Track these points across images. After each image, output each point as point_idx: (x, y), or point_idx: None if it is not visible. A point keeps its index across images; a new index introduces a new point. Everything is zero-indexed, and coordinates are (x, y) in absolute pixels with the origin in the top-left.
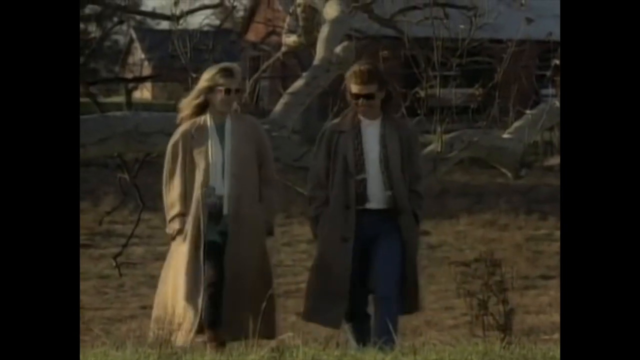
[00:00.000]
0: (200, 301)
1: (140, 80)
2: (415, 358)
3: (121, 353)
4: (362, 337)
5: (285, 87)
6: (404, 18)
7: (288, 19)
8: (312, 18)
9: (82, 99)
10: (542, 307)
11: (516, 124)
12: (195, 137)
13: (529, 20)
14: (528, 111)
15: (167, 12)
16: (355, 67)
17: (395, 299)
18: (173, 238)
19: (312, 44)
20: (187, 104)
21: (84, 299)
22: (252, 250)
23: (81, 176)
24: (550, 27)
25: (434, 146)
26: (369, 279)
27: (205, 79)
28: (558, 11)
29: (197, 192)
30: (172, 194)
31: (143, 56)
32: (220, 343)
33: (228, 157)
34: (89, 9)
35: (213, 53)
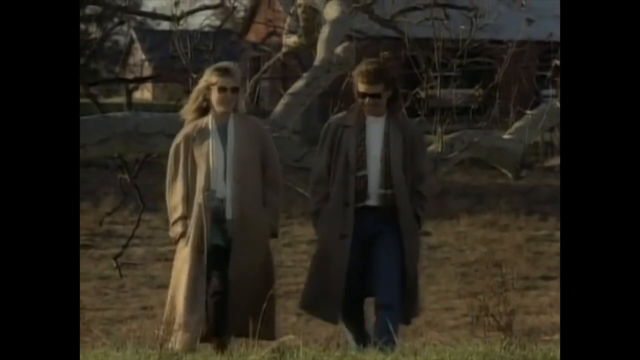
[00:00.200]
0: (203, 307)
1: (140, 80)
2: (416, 359)
3: (121, 354)
4: (361, 338)
5: (285, 88)
6: (404, 19)
7: (288, 19)
8: (313, 19)
9: (82, 100)
10: (543, 308)
11: (517, 124)
12: (197, 139)
13: (530, 21)
14: (528, 112)
15: (168, 13)
16: (363, 67)
17: (397, 305)
18: (176, 241)
19: (313, 45)
20: (189, 109)
21: (84, 299)
22: (256, 253)
23: (81, 177)
24: (550, 28)
25: (435, 147)
26: (370, 282)
27: (202, 79)
28: (558, 12)
29: (198, 196)
30: (174, 197)
31: (143, 57)
32: (223, 347)
33: (230, 159)
34: (89, 10)
35: (213, 54)
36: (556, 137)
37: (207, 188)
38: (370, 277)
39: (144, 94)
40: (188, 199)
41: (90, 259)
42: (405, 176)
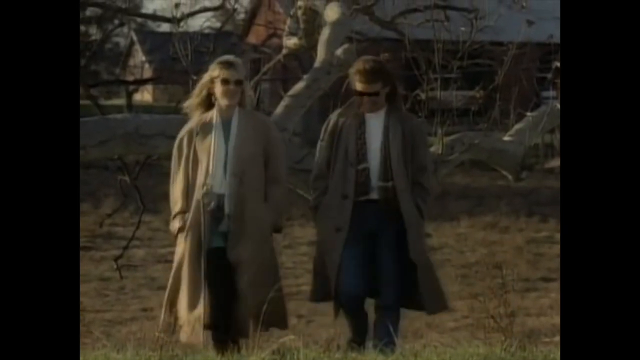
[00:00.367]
0: (202, 304)
1: (141, 82)
2: None
3: (122, 355)
4: (360, 336)
5: (286, 90)
6: (404, 20)
7: (289, 21)
8: (313, 20)
9: (82, 101)
10: (543, 310)
11: (517, 126)
12: (200, 133)
13: (530, 23)
14: (529, 113)
15: (168, 15)
16: (360, 65)
17: (397, 306)
18: (175, 236)
19: (313, 47)
20: (193, 103)
21: (84, 301)
22: (256, 250)
23: (82, 178)
24: (550, 30)
25: (435, 148)
26: (370, 282)
27: (206, 74)
28: (559, 13)
29: (197, 191)
30: (175, 192)
31: (144, 58)
32: (223, 346)
33: (231, 154)
34: (89, 12)
35: (214, 55)
36: (556, 138)
37: (206, 182)
38: (370, 276)
39: (144, 95)
40: (188, 193)
41: (91, 260)
42: (406, 169)
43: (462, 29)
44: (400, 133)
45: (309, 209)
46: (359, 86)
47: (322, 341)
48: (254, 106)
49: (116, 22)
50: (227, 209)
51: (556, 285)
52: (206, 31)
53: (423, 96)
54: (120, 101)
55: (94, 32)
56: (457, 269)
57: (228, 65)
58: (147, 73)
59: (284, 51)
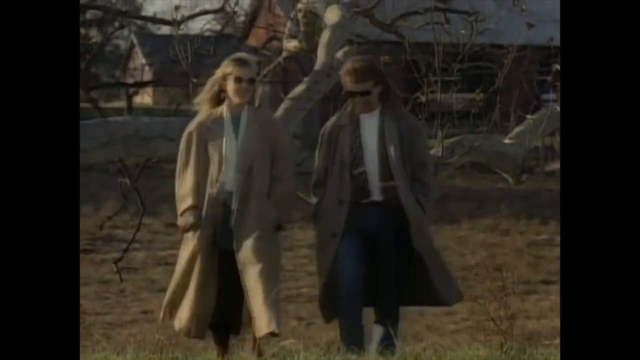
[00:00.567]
0: (213, 299)
1: (141, 85)
2: None
3: (122, 358)
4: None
5: (286, 92)
6: (405, 23)
7: (289, 24)
8: (313, 23)
9: (83, 104)
10: (543, 312)
11: (517, 129)
12: (211, 129)
13: (530, 26)
14: (529, 116)
15: (168, 17)
16: (349, 65)
17: (397, 309)
18: (185, 231)
19: (313, 49)
20: (203, 98)
21: (85, 303)
22: (261, 247)
23: (82, 181)
24: (551, 32)
25: (435, 151)
26: (369, 290)
27: (219, 69)
28: (559, 16)
29: (210, 187)
30: (184, 187)
31: (144, 61)
32: (224, 347)
33: (239, 150)
34: (90, 14)
35: (214, 58)
36: (557, 141)
37: (218, 179)
38: (369, 281)
39: (145, 98)
40: (198, 188)
41: (91, 263)
42: (404, 167)
43: (463, 31)
44: (396, 131)
45: (311, 216)
46: (349, 86)
47: (322, 344)
48: (264, 104)
49: (116, 24)
50: (233, 205)
51: (556, 288)
52: (206, 34)
53: (423, 99)
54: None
55: (94, 35)
56: (457, 271)
57: (242, 63)
58: (147, 76)
59: (284, 54)
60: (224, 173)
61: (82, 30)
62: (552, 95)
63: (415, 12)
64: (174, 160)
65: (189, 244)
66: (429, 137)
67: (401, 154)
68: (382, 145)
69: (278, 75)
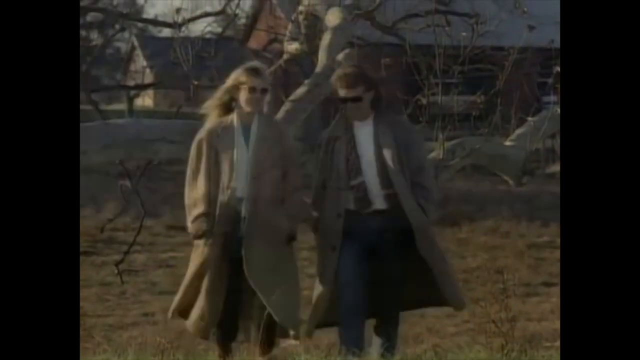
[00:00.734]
0: (222, 303)
1: (142, 87)
2: None
3: None
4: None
5: (287, 95)
6: (405, 25)
7: (290, 26)
8: (314, 25)
9: (83, 106)
10: (544, 314)
11: (518, 131)
12: (222, 137)
13: (531, 28)
14: (530, 118)
15: (169, 20)
16: (340, 71)
17: (397, 312)
18: (198, 237)
19: (314, 52)
20: (212, 105)
21: (85, 306)
22: (271, 254)
23: (83, 183)
24: (552, 35)
25: (436, 153)
26: (368, 301)
27: (231, 78)
28: (559, 18)
29: (221, 194)
30: (195, 193)
31: (145, 63)
32: (227, 350)
33: (250, 158)
34: (90, 17)
35: (215, 60)
36: (557, 143)
37: (229, 186)
38: (368, 295)
39: (145, 100)
40: (210, 195)
41: (92, 265)
42: (403, 173)
43: (463, 33)
44: (392, 137)
45: (313, 231)
46: (341, 92)
47: (323, 346)
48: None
49: (117, 27)
50: (243, 212)
51: (558, 290)
52: (207, 36)
53: (424, 101)
54: (122, 106)
55: (95, 37)
56: (458, 273)
57: (256, 73)
58: (148, 78)
59: (285, 56)
60: (235, 180)
61: (83, 33)
62: (553, 98)
63: (416, 15)
64: (175, 162)
65: (200, 250)
66: (430, 139)
67: (398, 160)
68: (379, 153)
69: (279, 78)
